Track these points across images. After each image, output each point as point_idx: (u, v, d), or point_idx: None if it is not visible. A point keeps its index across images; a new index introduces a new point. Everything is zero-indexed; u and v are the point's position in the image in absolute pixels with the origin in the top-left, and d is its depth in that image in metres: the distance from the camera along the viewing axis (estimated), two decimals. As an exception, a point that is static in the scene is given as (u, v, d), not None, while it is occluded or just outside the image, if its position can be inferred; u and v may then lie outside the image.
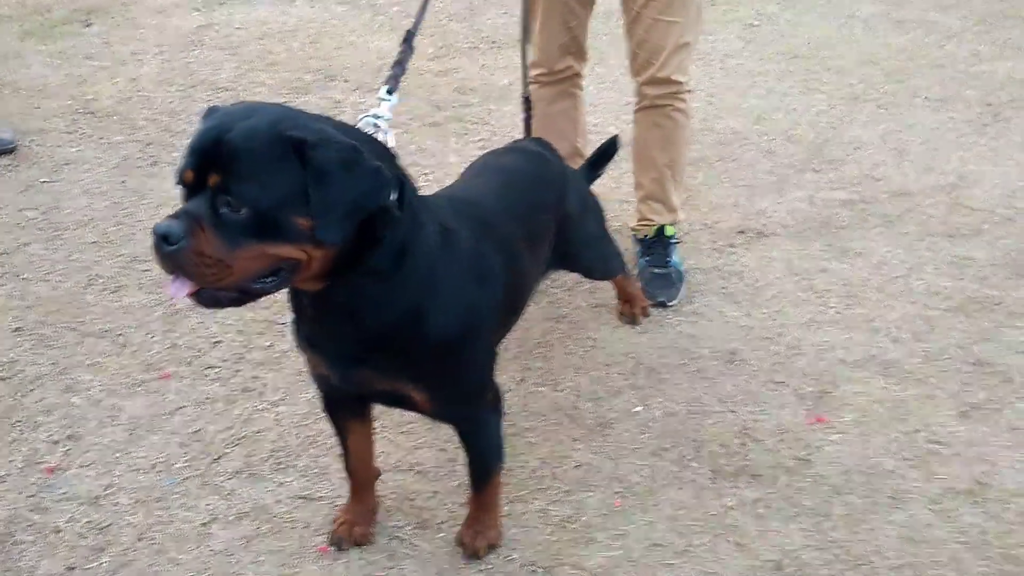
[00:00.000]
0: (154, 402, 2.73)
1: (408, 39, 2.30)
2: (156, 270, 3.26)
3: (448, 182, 2.55)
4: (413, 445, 2.57)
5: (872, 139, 4.10)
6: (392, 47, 5.17)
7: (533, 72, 3.17)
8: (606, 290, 3.14)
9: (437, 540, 2.30)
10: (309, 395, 2.73)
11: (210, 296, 1.61)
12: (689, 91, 3.02)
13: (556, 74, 3.10)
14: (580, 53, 3.14)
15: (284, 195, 1.53)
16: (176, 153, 3.98)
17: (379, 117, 2.03)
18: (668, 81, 2.95)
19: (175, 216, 1.55)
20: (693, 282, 3.20)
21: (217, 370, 2.84)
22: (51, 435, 2.61)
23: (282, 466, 2.52)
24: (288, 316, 3.03)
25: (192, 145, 1.59)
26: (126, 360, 2.88)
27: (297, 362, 2.85)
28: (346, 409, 2.17)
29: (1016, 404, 2.68)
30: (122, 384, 2.79)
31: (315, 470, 2.50)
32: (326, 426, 2.61)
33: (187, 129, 4.17)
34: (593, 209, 2.68)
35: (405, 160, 1.87)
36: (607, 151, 2.85)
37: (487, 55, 4.94)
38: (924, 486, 2.43)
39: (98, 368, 2.85)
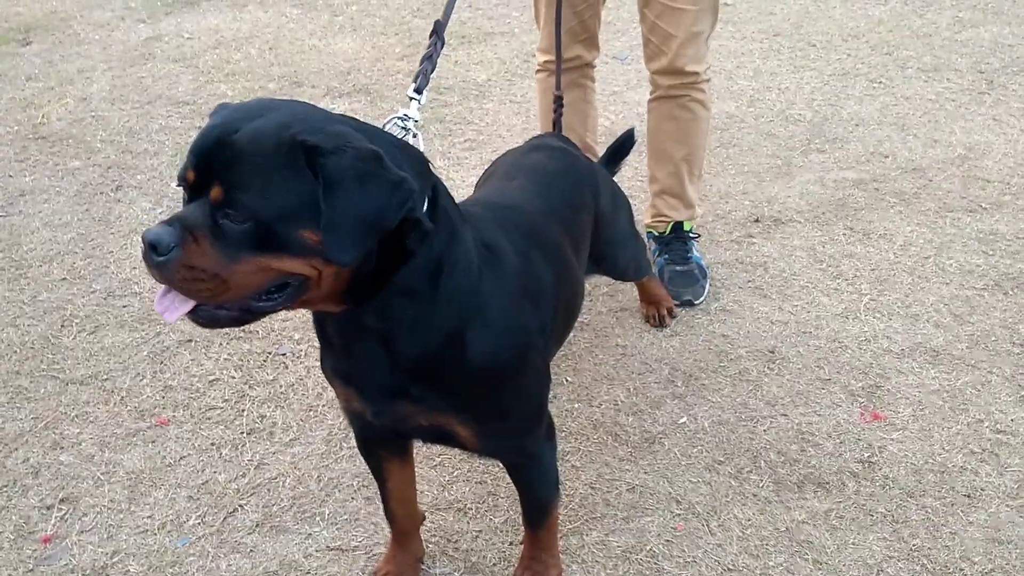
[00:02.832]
0: (153, 453, 2.47)
1: (438, 31, 2.06)
2: (137, 305, 3.03)
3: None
4: (448, 480, 2.36)
5: (871, 114, 3.97)
6: (356, 49, 4.96)
7: (540, 59, 2.97)
8: (626, 292, 2.96)
9: (491, 585, 2.10)
10: (325, 432, 2.51)
11: (208, 315, 1.39)
12: (707, 80, 2.82)
13: (566, 61, 2.84)
14: (590, 41, 2.93)
15: (291, 207, 1.32)
16: (141, 176, 3.71)
17: (407, 118, 1.80)
18: (682, 72, 2.75)
19: (168, 222, 1.34)
20: (716, 277, 3.02)
21: (219, 411, 2.59)
22: (43, 499, 2.34)
23: (306, 515, 2.28)
24: (288, 346, 2.86)
25: (195, 144, 1.38)
26: (116, 408, 2.61)
27: (307, 396, 2.63)
28: (384, 447, 1.94)
29: (1075, 384, 2.55)
30: (115, 435, 2.52)
31: (344, 516, 2.27)
32: (349, 466, 2.41)
33: (149, 149, 3.89)
34: (624, 205, 2.48)
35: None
36: (624, 144, 2.66)
37: (459, 51, 4.71)
38: (998, 481, 2.28)
39: (86, 419, 2.57)
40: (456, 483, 2.35)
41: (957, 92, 4.13)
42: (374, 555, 2.16)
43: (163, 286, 1.38)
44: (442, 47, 2.05)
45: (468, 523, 2.25)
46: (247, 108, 1.40)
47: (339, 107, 4.12)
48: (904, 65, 4.39)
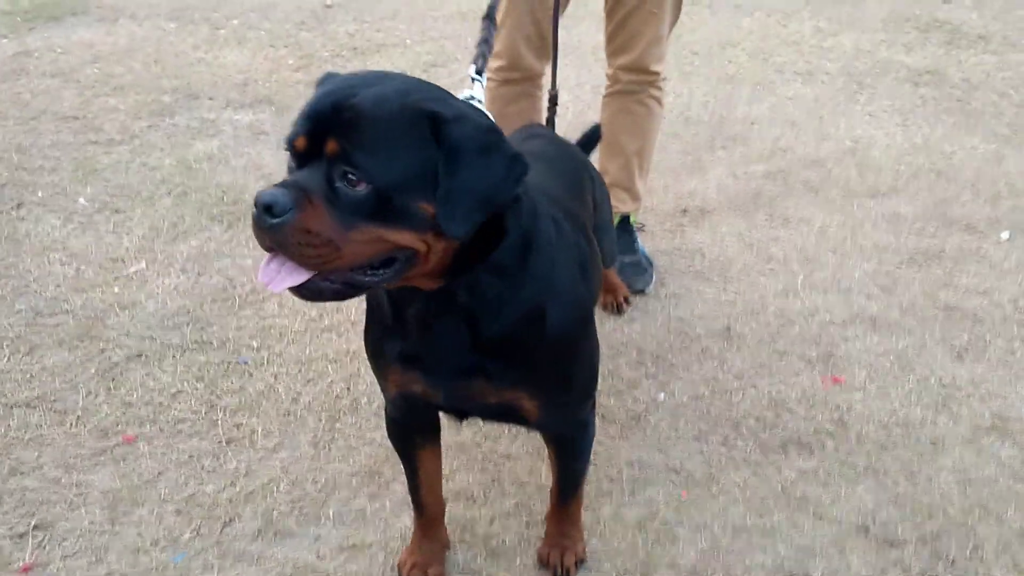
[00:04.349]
0: (127, 470, 2.32)
1: (490, 15, 2.07)
2: (71, 323, 2.85)
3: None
4: (449, 471, 2.33)
5: (762, 114, 4.24)
6: (247, 61, 4.85)
7: (493, 64, 2.93)
8: (578, 283, 3.02)
9: (517, 567, 2.09)
10: (309, 436, 2.44)
11: (314, 288, 1.34)
12: (665, 79, 2.94)
13: (518, 71, 2.88)
14: (544, 51, 2.91)
15: (412, 175, 1.30)
16: (42, 192, 3.48)
17: (472, 98, 1.80)
18: (646, 71, 2.86)
19: (282, 185, 1.30)
20: (658, 265, 3.14)
21: (189, 424, 2.46)
22: (12, 528, 2.15)
23: (309, 517, 2.20)
24: (248, 354, 2.75)
25: (309, 109, 1.34)
26: (73, 428, 2.43)
27: (281, 402, 2.54)
28: (419, 434, 1.91)
29: (995, 341, 2.81)
30: (78, 456, 2.35)
31: (350, 515, 2.21)
32: (343, 466, 2.36)
33: (44, 165, 3.65)
34: (606, 194, 2.55)
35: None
36: (592, 138, 2.73)
37: (353, 62, 4.68)
38: (955, 429, 2.49)
39: (41, 442, 2.39)
40: (458, 473, 2.33)
41: (833, 92, 4.47)
42: (391, 550, 2.11)
43: (267, 256, 1.33)
44: (495, 30, 2.07)
45: (479, 510, 2.24)
46: (360, 77, 1.37)
47: (244, 118, 4.01)
48: (781, 70, 4.71)
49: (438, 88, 1.42)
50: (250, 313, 2.90)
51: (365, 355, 2.63)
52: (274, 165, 3.70)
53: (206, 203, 3.45)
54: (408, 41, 4.99)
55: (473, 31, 4.53)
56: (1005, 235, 3.34)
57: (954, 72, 4.74)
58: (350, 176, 1.29)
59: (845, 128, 4.12)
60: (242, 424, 2.47)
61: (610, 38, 2.90)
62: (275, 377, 2.63)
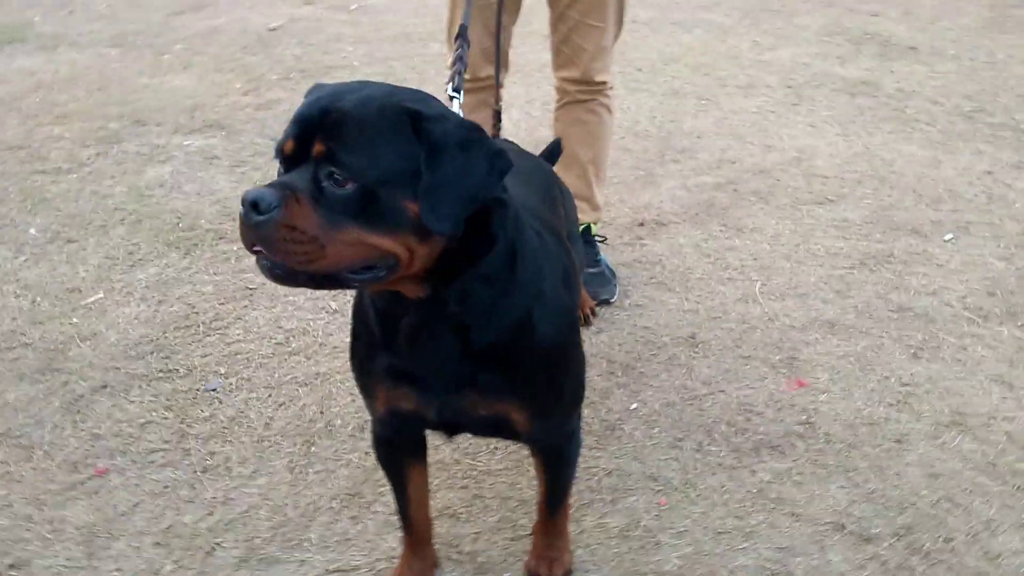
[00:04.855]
0: (101, 504, 2.27)
1: (463, 33, 2.10)
2: (31, 356, 2.79)
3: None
4: (431, 489, 2.33)
5: (708, 127, 4.33)
6: (194, 86, 4.80)
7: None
8: (542, 298, 3.05)
9: (505, 581, 2.11)
10: (285, 461, 2.42)
11: (287, 270, 1.35)
12: (612, 88, 3.01)
13: (477, 81, 2.93)
14: (503, 61, 2.97)
15: (395, 171, 1.33)
16: (-11, 223, 3.40)
17: None
18: (591, 82, 2.92)
19: (269, 184, 1.33)
20: (620, 276, 3.19)
21: (162, 454, 2.43)
22: (-15, 569, 2.10)
23: (293, 543, 2.18)
24: (216, 381, 2.72)
25: (297, 116, 1.38)
26: (41, 464, 2.38)
27: (255, 428, 2.52)
28: (406, 452, 1.92)
29: (948, 339, 2.91)
30: (48, 492, 2.30)
31: (335, 539, 2.20)
32: (323, 490, 2.35)
33: (-10, 196, 3.57)
34: (573, 206, 2.58)
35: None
36: (553, 152, 2.77)
37: (302, 85, 4.64)
38: (918, 426, 2.57)
39: (9, 479, 2.33)
40: (440, 491, 2.33)
41: (774, 105, 4.59)
42: (379, 571, 2.11)
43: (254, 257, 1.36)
44: (468, 48, 2.10)
45: (463, 527, 2.24)
46: (347, 85, 1.42)
47: (194, 143, 3.97)
48: (723, 83, 4.82)
49: (422, 92, 1.46)
50: (215, 340, 2.87)
51: (336, 377, 2.69)
52: (228, 189, 3.66)
53: (161, 230, 3.40)
54: (355, 63, 4.99)
55: (419, 51, 4.60)
56: (948, 237, 3.46)
57: (888, 82, 4.91)
58: (336, 175, 1.32)
59: (788, 138, 4.23)
60: (216, 452, 2.44)
61: (555, 52, 2.97)
62: (246, 403, 2.61)
